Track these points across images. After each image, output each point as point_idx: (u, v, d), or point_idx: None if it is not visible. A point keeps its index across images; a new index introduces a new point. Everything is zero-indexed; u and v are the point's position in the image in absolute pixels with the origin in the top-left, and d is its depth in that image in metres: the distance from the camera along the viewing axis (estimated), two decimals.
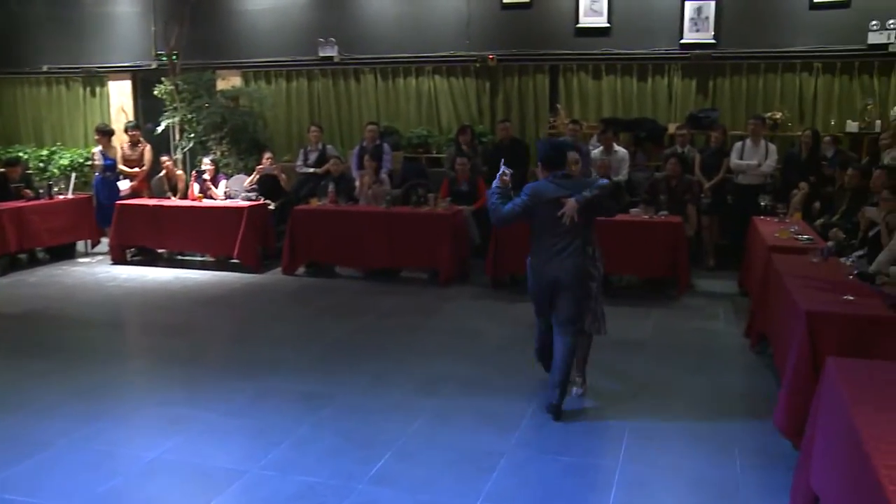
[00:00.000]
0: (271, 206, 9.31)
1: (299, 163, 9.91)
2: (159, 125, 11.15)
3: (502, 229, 7.13)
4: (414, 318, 6.84)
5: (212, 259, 9.50)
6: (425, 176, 10.13)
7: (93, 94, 12.93)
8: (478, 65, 10.85)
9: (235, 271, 8.82)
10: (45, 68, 12.95)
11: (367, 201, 8.86)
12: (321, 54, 11.39)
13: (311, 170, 9.72)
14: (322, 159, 9.69)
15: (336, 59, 11.37)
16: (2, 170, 9.77)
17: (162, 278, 8.57)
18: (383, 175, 9.11)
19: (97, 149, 10.03)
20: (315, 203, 8.76)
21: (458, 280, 8.06)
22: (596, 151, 9.10)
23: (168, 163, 9.90)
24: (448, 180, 9.01)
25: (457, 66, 11.08)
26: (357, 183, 9.09)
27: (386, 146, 9.75)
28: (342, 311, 7.09)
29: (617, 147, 9.12)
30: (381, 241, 8.18)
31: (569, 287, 4.50)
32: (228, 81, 11.69)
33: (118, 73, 12.58)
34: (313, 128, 9.99)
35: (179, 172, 10.01)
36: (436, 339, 6.17)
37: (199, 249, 9.44)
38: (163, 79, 11.37)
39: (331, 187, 8.80)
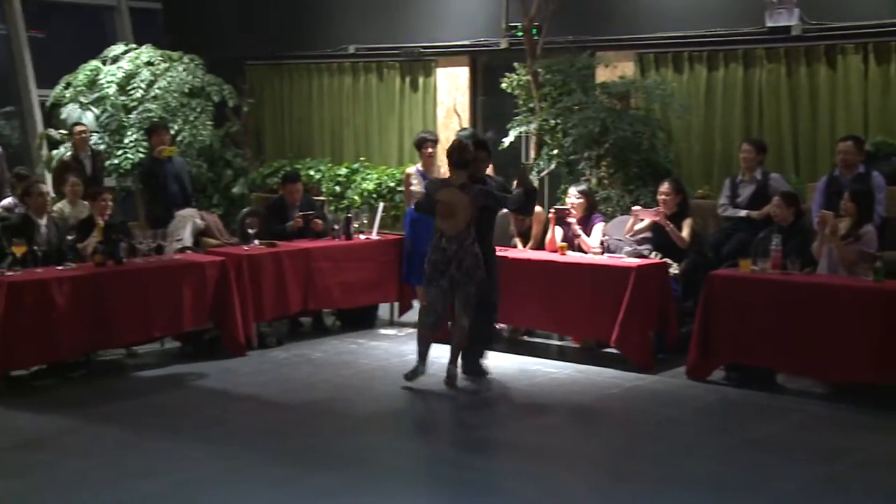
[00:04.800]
0: (674, 269, 9.43)
1: (723, 201, 9.90)
2: (506, 135, 11.82)
3: None
4: None
5: (575, 345, 9.89)
6: None
7: (414, 86, 14.26)
8: None
9: (611, 367, 9.07)
10: (351, 49, 14.51)
11: (831, 269, 8.67)
12: (770, 24, 11.39)
13: (743, 213, 9.68)
14: (762, 195, 9.60)
15: (797, 32, 11.31)
16: (278, 190, 11.04)
17: (502, 366, 9.04)
18: (868, 227, 8.79)
19: (414, 168, 10.86)
20: (747, 267, 8.65)
21: None
22: None
23: None
24: None
25: None
26: (818, 235, 8.86)
27: (877, 177, 9.56)
28: (789, 449, 7.08)
29: None
30: (859, 339, 7.97)
31: None
32: (615, 70, 12.11)
33: (451, 56, 13.70)
34: (746, 146, 9.95)
35: (537, 209, 10.46)
36: None
37: (554, 328, 9.90)
38: (516, 65, 12.12)
39: (775, 241, 8.62)
